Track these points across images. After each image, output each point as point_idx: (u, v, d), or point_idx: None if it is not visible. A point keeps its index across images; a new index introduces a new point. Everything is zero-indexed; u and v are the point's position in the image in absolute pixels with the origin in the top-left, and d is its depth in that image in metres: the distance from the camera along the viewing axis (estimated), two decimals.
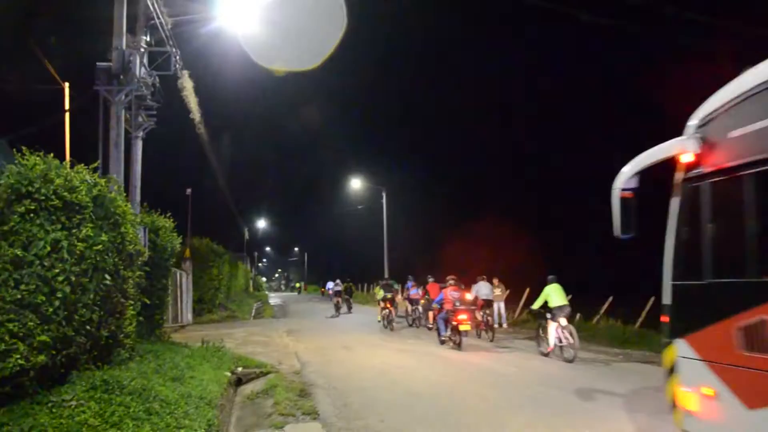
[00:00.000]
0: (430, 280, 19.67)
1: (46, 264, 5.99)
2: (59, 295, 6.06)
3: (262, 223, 77.39)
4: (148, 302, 10.50)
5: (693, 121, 4.99)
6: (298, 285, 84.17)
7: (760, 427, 4.10)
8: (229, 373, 9.84)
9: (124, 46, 12.19)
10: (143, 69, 13.20)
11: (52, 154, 6.73)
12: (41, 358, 5.70)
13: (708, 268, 4.74)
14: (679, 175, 5.07)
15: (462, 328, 14.35)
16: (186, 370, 8.42)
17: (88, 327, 6.81)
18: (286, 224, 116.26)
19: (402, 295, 24.31)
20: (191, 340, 12.55)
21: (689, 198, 4.96)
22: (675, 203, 5.11)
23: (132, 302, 8.81)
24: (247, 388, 9.51)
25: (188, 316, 20.73)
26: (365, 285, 46.78)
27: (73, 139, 12.74)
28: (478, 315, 16.88)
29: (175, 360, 9.02)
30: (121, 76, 11.99)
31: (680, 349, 4.96)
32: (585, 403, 8.18)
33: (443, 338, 15.23)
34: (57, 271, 6.11)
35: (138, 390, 6.35)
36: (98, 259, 6.98)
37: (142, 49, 13.19)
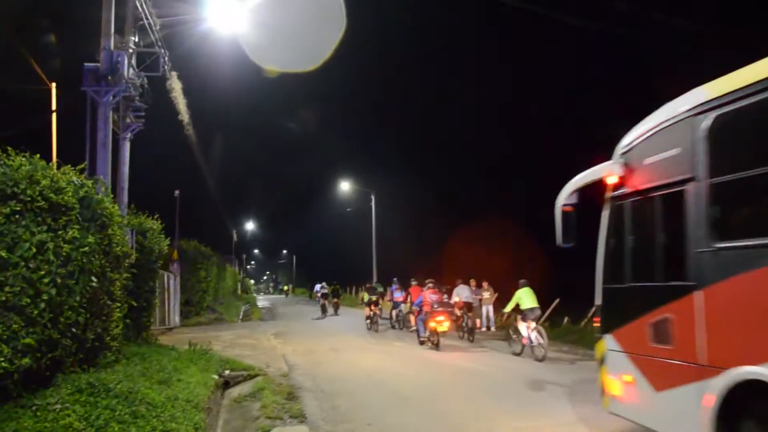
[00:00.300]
0: (413, 283, 19.99)
1: (31, 266, 5.93)
2: (45, 297, 6.00)
3: (250, 225, 77.28)
4: (135, 304, 10.44)
5: (618, 148, 5.91)
6: (286, 288, 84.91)
7: (665, 406, 5.05)
8: (216, 376, 9.79)
9: (112, 47, 12.14)
10: (131, 70, 13.15)
11: (38, 155, 6.67)
12: (26, 360, 5.63)
13: (628, 273, 5.74)
14: (607, 194, 6.02)
15: (440, 329, 14.88)
16: (173, 373, 8.36)
17: (73, 329, 6.75)
18: (275, 226, 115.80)
19: (386, 298, 24.77)
20: (178, 343, 12.48)
21: (614, 214, 5.95)
22: (604, 218, 6.07)
23: (119, 304, 8.76)
24: (235, 391, 9.47)
25: (176, 319, 20.60)
26: (354, 288, 46.72)
27: (60, 140, 12.65)
28: (458, 314, 17.46)
29: (162, 363, 8.96)
30: (109, 77, 11.93)
31: (608, 343, 5.92)
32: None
33: (422, 339, 15.77)
34: (42, 273, 6.04)
35: (124, 393, 6.30)
36: (84, 261, 6.93)
37: (131, 50, 13.13)
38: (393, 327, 21.75)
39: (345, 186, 41.93)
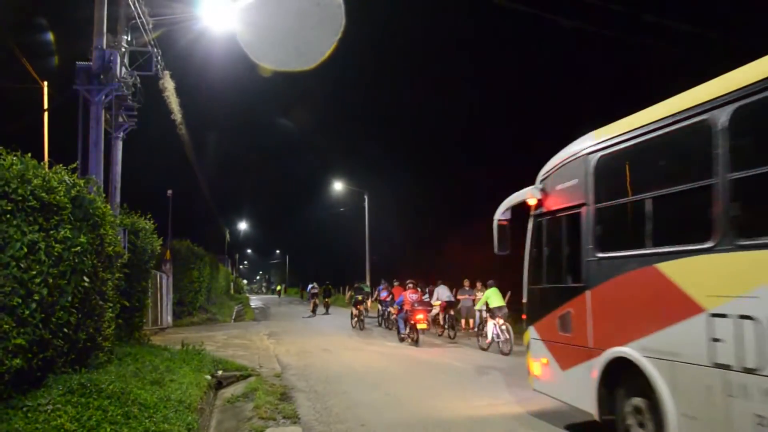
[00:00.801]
0: (396, 284, 21.42)
1: (22, 266, 5.89)
2: (36, 297, 5.97)
3: (243, 225, 77.09)
4: (127, 304, 10.40)
5: (539, 176, 7.35)
6: (278, 288, 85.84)
7: (568, 381, 6.47)
8: (209, 377, 9.77)
9: (104, 46, 12.08)
10: (124, 69, 13.10)
11: (29, 154, 6.62)
12: (17, 361, 5.60)
13: (543, 276, 7.25)
14: (531, 213, 7.47)
15: (419, 326, 15.79)
16: (165, 374, 8.33)
17: (65, 329, 6.72)
18: (268, 226, 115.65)
19: (374, 298, 26.27)
20: (171, 343, 12.44)
21: (534, 229, 7.43)
22: (528, 231, 7.54)
23: (111, 304, 8.72)
24: (228, 392, 9.44)
25: (168, 319, 20.54)
26: (347, 288, 46.70)
27: (51, 140, 12.57)
28: (435, 312, 18.88)
29: (154, 363, 8.93)
30: (102, 76, 11.88)
31: (531, 333, 7.38)
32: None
33: (402, 336, 16.81)
34: (34, 272, 6.01)
35: (116, 394, 6.27)
36: (76, 260, 6.89)
37: (123, 49, 13.09)
38: (380, 325, 22.41)
39: (338, 186, 41.94)
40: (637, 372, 5.28)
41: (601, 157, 6.08)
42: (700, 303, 4.68)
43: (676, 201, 5.17)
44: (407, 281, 18.16)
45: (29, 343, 5.85)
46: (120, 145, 14.08)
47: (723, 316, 4.46)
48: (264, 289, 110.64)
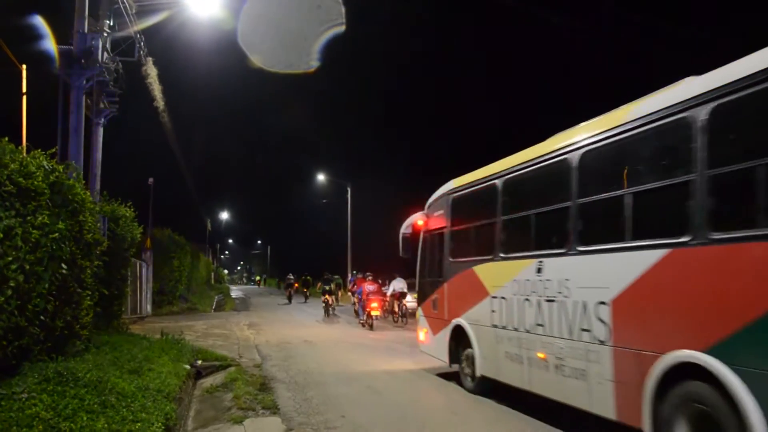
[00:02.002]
0: (358, 276, 24.09)
1: None
2: (12, 284, 5.87)
3: (225, 215, 76.50)
4: (106, 293, 10.29)
5: (426, 205, 10.34)
6: (258, 278, 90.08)
7: (437, 343, 9.58)
8: (188, 366, 9.70)
9: (86, 30, 11.90)
10: (106, 54, 12.91)
11: (6, 138, 6.51)
12: None
13: (426, 273, 10.34)
14: (421, 230, 10.51)
15: (373, 313, 18.87)
16: (144, 363, 8.26)
17: (42, 317, 6.64)
18: (250, 216, 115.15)
19: (346, 288, 29.32)
20: (150, 332, 12.35)
21: (422, 241, 10.51)
22: (420, 242, 10.55)
23: (89, 292, 8.62)
24: (207, 382, 9.39)
25: (148, 308, 20.41)
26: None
27: (30, 124, 12.35)
28: (387, 301, 21.63)
29: (133, 352, 8.86)
30: (83, 61, 11.70)
31: (419, 312, 10.53)
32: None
33: (361, 321, 19.69)
34: (10, 259, 5.91)
35: (93, 382, 6.20)
36: (54, 247, 6.80)
37: (105, 34, 12.90)
38: (355, 313, 23.21)
39: (321, 178, 41.85)
40: (465, 333, 8.56)
41: (454, 198, 9.29)
42: (488, 290, 7.92)
43: (483, 230, 8.34)
44: (366, 273, 21.39)
45: (4, 330, 5.76)
46: (101, 131, 13.89)
47: (495, 297, 7.72)
48: (245, 280, 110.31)
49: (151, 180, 26.18)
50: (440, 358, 9.44)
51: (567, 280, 6.23)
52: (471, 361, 8.40)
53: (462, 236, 9.05)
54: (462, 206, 9.03)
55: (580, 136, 6.27)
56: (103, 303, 10.30)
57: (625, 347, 5.36)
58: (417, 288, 10.80)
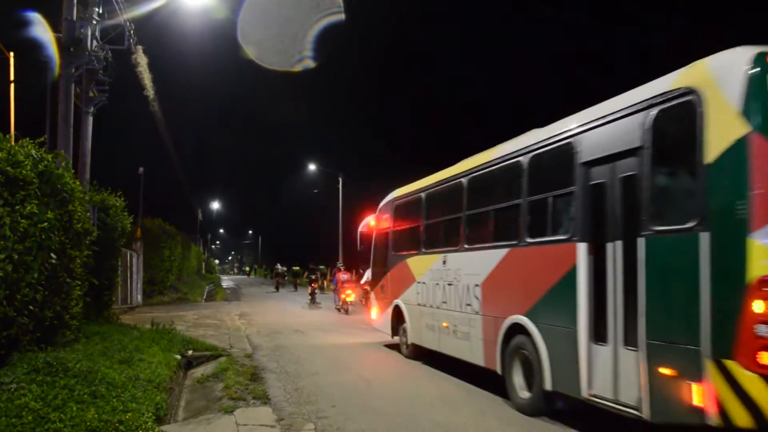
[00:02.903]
0: (339, 266, 26.41)
1: None
2: (0, 273, 5.83)
3: (216, 205, 76.25)
4: (96, 283, 10.26)
5: (378, 208, 12.42)
6: (247, 268, 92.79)
7: (384, 319, 11.68)
8: (179, 356, 9.69)
9: (75, 17, 11.76)
10: (95, 42, 12.78)
11: None
12: None
13: (377, 264, 12.37)
14: (374, 229, 12.64)
15: (348, 299, 21.19)
16: (134, 353, 8.25)
17: (31, 307, 6.61)
18: (241, 206, 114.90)
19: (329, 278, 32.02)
20: (141, 322, 12.31)
21: (375, 238, 12.55)
22: (373, 239, 12.66)
23: (79, 282, 8.59)
24: (198, 372, 9.38)
25: (138, 298, 20.35)
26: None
27: (18, 113, 12.24)
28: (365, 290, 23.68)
29: (123, 342, 8.84)
30: (71, 49, 11.57)
31: (372, 295, 12.83)
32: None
33: (337, 307, 21.90)
34: None
35: (83, 372, 6.19)
36: (43, 237, 6.76)
37: (95, 21, 12.74)
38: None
39: (313, 168, 41.73)
40: (401, 311, 10.82)
41: (395, 204, 11.55)
42: (415, 277, 10.22)
43: (413, 231, 10.61)
44: (339, 264, 25.78)
45: None
46: (90, 120, 13.79)
47: (419, 282, 10.03)
48: (236, 270, 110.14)
49: (141, 169, 25.99)
50: (386, 332, 11.67)
51: (459, 269, 8.61)
52: (405, 332, 10.81)
53: (400, 235, 11.34)
54: (400, 211, 11.36)
55: (467, 166, 8.65)
56: (93, 293, 10.27)
57: (488, 315, 7.69)
58: (371, 276, 13.57)
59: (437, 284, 9.30)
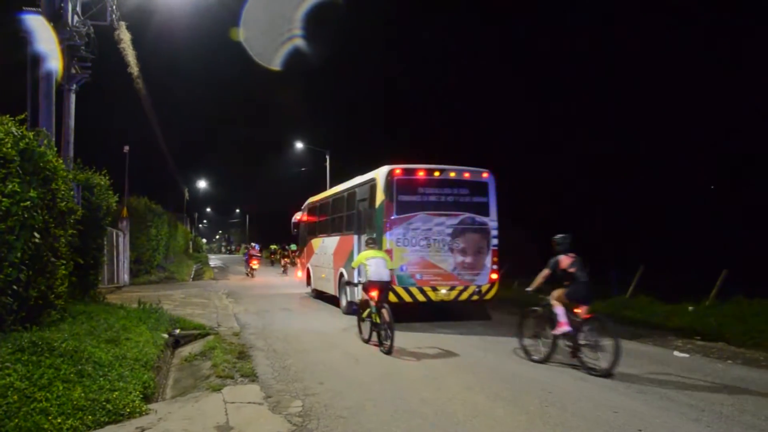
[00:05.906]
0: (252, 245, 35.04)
1: None
2: None
3: (203, 184, 75.69)
4: (81, 262, 10.18)
5: (304, 205, 20.36)
6: (234, 248, 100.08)
7: (304, 278, 19.84)
8: (166, 335, 9.69)
9: None
10: (76, 17, 12.54)
11: None
12: None
13: (301, 242, 20.96)
14: (301, 220, 20.99)
15: (254, 267, 29.36)
16: (121, 332, 8.23)
17: (14, 287, 6.55)
18: (228, 185, 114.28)
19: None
20: (128, 302, 12.27)
21: (301, 226, 20.78)
22: (300, 227, 21.18)
23: (64, 262, 8.51)
24: (185, 350, 9.38)
25: (125, 277, 20.27)
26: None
27: None
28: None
29: (109, 321, 8.81)
30: (52, 24, 11.33)
31: (298, 262, 23.26)
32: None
33: (246, 272, 29.80)
34: None
35: (69, 352, 6.17)
36: (26, 216, 6.68)
37: None
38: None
39: (300, 146, 41.48)
40: (310, 271, 18.63)
41: (309, 207, 19.39)
42: (314, 250, 17.96)
43: (315, 223, 18.36)
44: (252, 244, 36.69)
45: None
46: (73, 97, 13.55)
47: (316, 254, 17.89)
48: (224, 249, 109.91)
49: (126, 148, 25.68)
50: (306, 284, 19.28)
51: (327, 246, 16.12)
52: (310, 282, 18.55)
53: (310, 225, 19.06)
54: (312, 211, 18.97)
55: (330, 192, 17.15)
56: (78, 272, 10.19)
57: (335, 268, 15.07)
58: (297, 250, 22.74)
59: (322, 254, 16.66)
